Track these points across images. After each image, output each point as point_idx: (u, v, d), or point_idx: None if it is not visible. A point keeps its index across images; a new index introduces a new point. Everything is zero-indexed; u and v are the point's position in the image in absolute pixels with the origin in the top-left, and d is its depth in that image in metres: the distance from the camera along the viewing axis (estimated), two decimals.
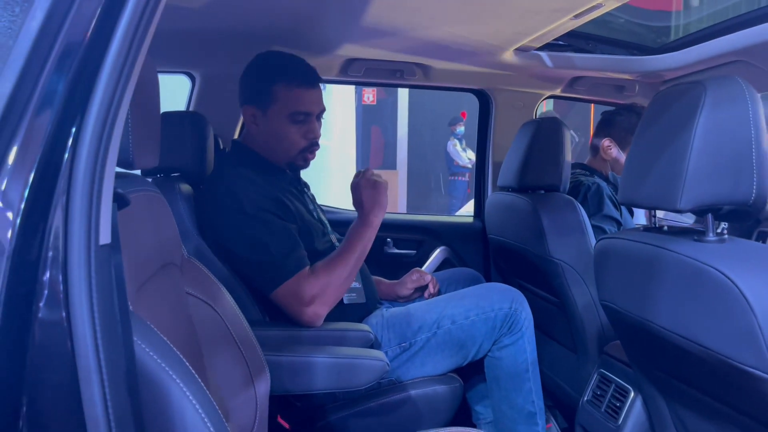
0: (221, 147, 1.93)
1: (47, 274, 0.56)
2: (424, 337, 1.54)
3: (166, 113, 1.69)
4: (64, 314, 0.56)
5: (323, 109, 1.62)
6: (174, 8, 1.46)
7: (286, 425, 1.54)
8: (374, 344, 1.51)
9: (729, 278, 0.88)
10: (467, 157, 7.97)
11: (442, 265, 2.32)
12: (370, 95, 8.82)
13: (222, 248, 1.49)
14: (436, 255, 2.34)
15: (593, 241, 1.71)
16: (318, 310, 1.44)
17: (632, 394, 1.45)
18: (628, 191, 1.11)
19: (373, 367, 1.32)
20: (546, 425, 1.72)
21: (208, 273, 1.16)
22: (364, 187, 1.53)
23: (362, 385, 1.34)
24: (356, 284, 1.66)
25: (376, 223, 1.52)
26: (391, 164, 8.63)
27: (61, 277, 0.56)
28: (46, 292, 0.56)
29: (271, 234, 1.45)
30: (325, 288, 1.44)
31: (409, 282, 1.86)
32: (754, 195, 0.94)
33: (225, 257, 1.48)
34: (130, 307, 0.69)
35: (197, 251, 1.45)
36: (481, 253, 2.37)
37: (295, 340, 1.43)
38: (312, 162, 1.66)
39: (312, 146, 1.61)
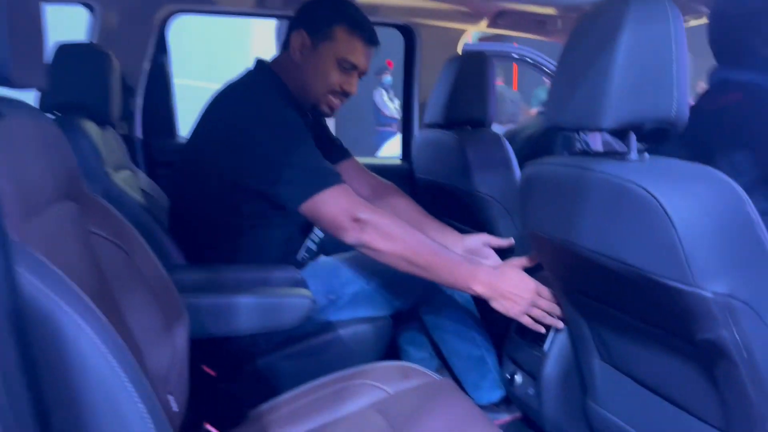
0: (127, 83, 1.80)
1: None
2: (352, 291, 1.51)
3: (63, 45, 1.55)
4: None
5: (366, 71, 1.55)
6: None
7: (213, 373, 1.49)
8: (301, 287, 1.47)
9: (650, 193, 0.88)
10: (394, 107, 7.92)
11: None
12: None
13: (241, 156, 1.37)
14: None
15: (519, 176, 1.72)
16: (363, 236, 1.30)
17: None
18: (554, 113, 1.09)
19: (299, 306, 1.28)
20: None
21: (117, 213, 1.07)
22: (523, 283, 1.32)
23: (289, 325, 1.30)
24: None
25: (474, 284, 1.31)
26: None
27: None
28: None
29: (310, 146, 1.38)
30: (386, 230, 1.30)
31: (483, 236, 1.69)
32: (674, 111, 0.94)
33: (237, 171, 1.37)
34: (15, 237, 0.61)
35: (106, 193, 1.35)
36: (409, 195, 2.35)
37: (216, 282, 1.36)
38: None
39: (341, 94, 1.54)
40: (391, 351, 1.75)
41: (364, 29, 1.51)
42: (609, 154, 1.07)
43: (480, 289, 1.30)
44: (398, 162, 2.46)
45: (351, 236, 1.31)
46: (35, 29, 0.81)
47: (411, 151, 2.38)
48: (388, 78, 7.89)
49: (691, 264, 0.85)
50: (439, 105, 1.85)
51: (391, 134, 8.01)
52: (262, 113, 1.39)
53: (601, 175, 0.98)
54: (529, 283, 1.31)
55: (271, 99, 1.43)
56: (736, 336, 0.87)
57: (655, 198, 0.87)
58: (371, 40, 1.52)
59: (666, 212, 0.86)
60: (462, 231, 1.92)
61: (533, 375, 1.53)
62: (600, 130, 0.96)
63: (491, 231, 1.74)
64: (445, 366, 1.90)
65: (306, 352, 1.47)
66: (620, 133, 1.00)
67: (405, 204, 1.74)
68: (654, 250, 0.89)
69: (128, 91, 1.74)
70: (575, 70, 1.04)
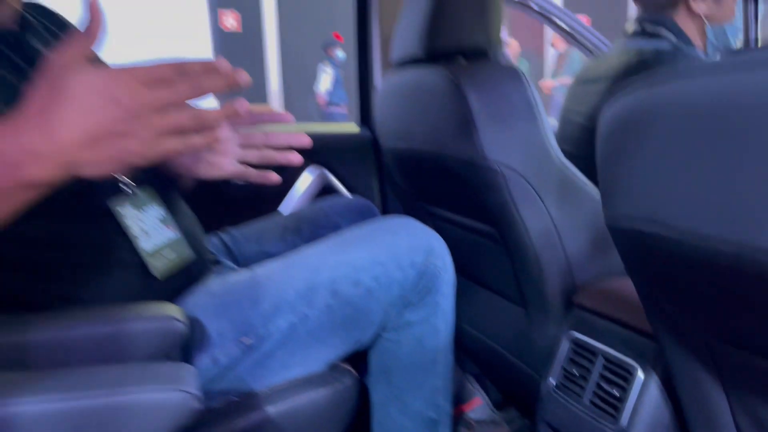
0: None
1: None
2: (285, 325, 0.86)
3: None
4: None
5: None
6: None
7: None
8: (190, 344, 0.80)
9: None
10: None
11: (318, 194, 1.62)
12: (231, 20, 7.73)
13: None
14: (308, 179, 1.62)
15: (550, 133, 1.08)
16: None
17: (639, 373, 0.86)
18: None
19: (165, 410, 0.61)
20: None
21: None
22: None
23: None
24: (171, 233, 0.94)
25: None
26: (260, 98, 7.69)
27: None
28: None
29: None
30: None
31: None
32: None
33: None
34: None
35: None
36: (373, 173, 1.69)
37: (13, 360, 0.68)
38: None
39: None
40: (362, 411, 1.11)
41: None
42: None
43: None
44: (356, 131, 1.79)
45: None
46: None
47: (371, 112, 1.72)
48: (341, 53, 7.14)
49: None
50: (412, 30, 1.19)
51: (343, 116, 7.30)
52: None
53: None
54: (118, 89, 0.54)
55: None
56: None
57: None
58: None
59: None
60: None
61: None
62: None
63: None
64: None
65: None
66: None
67: None
68: None
69: None
70: None
